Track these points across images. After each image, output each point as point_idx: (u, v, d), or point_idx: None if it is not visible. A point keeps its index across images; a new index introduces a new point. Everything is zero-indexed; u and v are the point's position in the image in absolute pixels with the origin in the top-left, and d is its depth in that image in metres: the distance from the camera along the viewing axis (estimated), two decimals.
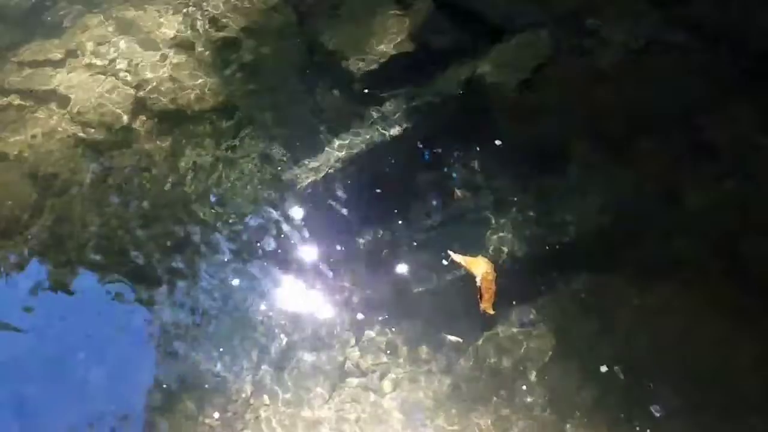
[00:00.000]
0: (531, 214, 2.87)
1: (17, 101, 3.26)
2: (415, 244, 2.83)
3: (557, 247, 2.78)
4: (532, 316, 2.63)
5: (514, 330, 2.62)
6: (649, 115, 3.08)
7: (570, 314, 2.62)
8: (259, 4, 3.61)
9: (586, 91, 3.17)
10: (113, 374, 2.57)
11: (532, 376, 2.52)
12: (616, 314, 2.60)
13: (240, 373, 2.56)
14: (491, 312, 2.65)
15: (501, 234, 2.83)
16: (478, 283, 2.68)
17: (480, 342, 2.60)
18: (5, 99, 3.26)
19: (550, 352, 2.56)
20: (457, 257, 2.76)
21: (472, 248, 2.79)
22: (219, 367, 2.57)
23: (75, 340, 2.64)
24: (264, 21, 3.54)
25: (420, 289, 2.74)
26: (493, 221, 2.87)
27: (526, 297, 2.67)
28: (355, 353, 2.62)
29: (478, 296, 2.66)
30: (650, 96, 3.13)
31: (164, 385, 2.55)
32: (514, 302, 2.66)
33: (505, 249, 2.80)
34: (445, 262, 2.77)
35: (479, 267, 2.72)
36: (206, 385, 2.54)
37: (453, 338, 2.63)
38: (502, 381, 2.52)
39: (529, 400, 2.47)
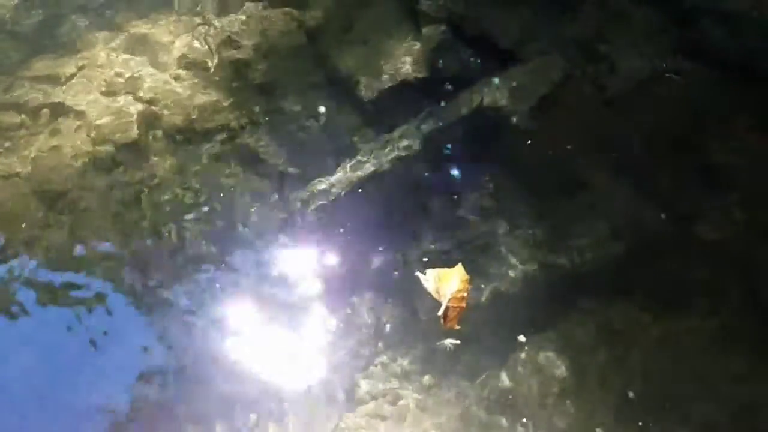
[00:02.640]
0: (543, 239, 2.85)
1: (27, 117, 3.26)
2: (425, 268, 2.80)
3: (570, 273, 2.76)
4: (545, 344, 2.60)
5: (527, 357, 2.58)
6: (661, 141, 3.07)
7: (584, 342, 2.60)
8: (272, 24, 3.62)
9: (597, 116, 3.18)
10: (114, 395, 2.53)
11: (545, 405, 2.48)
12: (631, 343, 2.58)
13: (245, 400, 2.52)
14: (456, 328, 2.62)
15: (513, 259, 2.81)
16: (445, 304, 2.64)
17: (492, 369, 2.57)
18: (15, 114, 3.26)
19: (564, 381, 2.53)
20: (428, 276, 2.71)
21: (483, 273, 2.78)
22: (224, 393, 2.53)
23: (76, 358, 2.61)
24: (276, 41, 3.55)
25: (431, 314, 2.71)
26: (505, 245, 2.85)
27: (539, 324, 2.65)
28: (364, 379, 2.59)
29: (442, 318, 2.63)
30: (661, 122, 3.14)
31: (168, 412, 2.51)
32: (526, 329, 2.63)
33: (518, 274, 2.78)
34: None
35: (450, 285, 2.68)
36: (211, 412, 2.50)
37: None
38: (514, 409, 2.49)
39: (541, 429, 2.43)
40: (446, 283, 2.66)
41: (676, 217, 2.87)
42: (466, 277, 2.69)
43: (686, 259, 2.76)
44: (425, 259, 2.82)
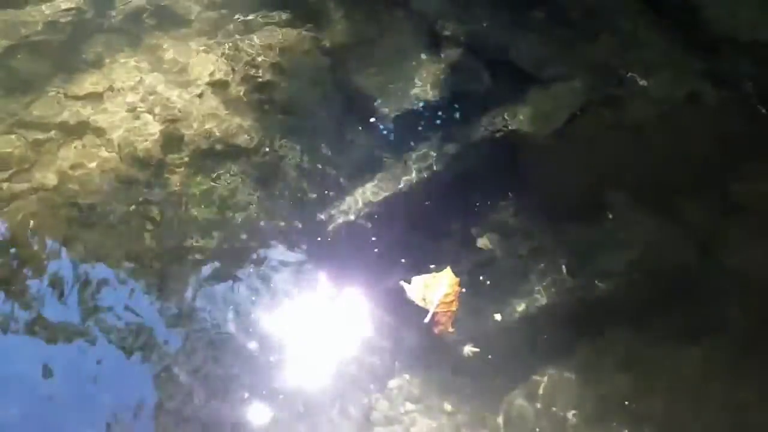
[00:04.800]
0: (563, 265, 2.84)
1: (53, 134, 3.29)
2: None
3: (591, 300, 2.75)
4: (565, 373, 2.58)
5: (547, 385, 2.56)
6: (683, 169, 3.08)
7: (605, 372, 2.58)
8: (293, 45, 3.67)
9: (619, 141, 3.18)
10: (129, 416, 2.53)
11: None
12: (653, 373, 2.56)
13: (256, 421, 2.50)
14: (450, 331, 2.60)
15: (532, 285, 2.80)
16: (433, 310, 2.62)
17: (513, 395, 2.55)
18: (41, 132, 3.29)
19: (586, 411, 2.50)
20: (414, 284, 2.70)
21: (504, 297, 2.77)
22: (236, 414, 2.52)
23: (92, 378, 2.60)
24: (297, 62, 3.59)
25: (450, 337, 2.70)
26: (525, 271, 2.84)
27: (559, 352, 2.63)
28: (380, 402, 2.57)
29: (432, 324, 2.61)
30: (684, 149, 3.14)
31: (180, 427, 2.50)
32: (547, 357, 2.61)
33: (537, 300, 2.77)
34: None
35: (437, 290, 2.68)
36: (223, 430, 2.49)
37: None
38: None
39: None
40: (433, 289, 2.68)
41: (698, 245, 2.85)
42: (456, 279, 2.70)
43: (710, 287, 2.75)
44: None
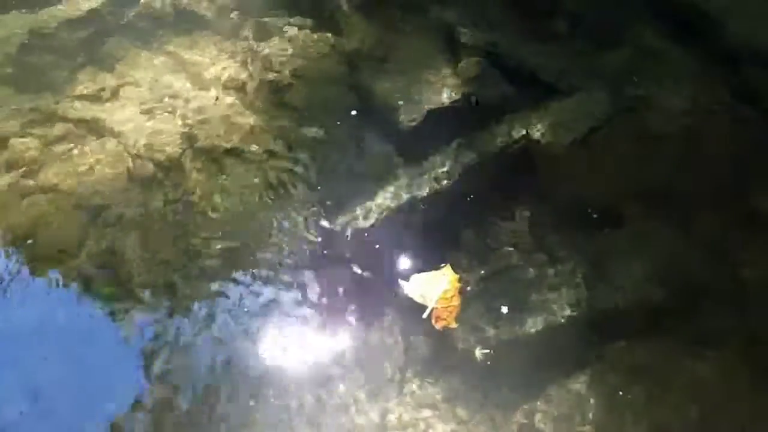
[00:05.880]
0: (580, 275, 2.83)
1: (69, 133, 3.30)
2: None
3: (606, 310, 2.74)
4: (580, 382, 2.57)
5: (561, 394, 2.55)
6: (702, 182, 3.07)
7: (619, 382, 2.56)
8: (311, 51, 3.68)
9: (638, 154, 3.18)
10: (143, 412, 2.52)
11: None
12: (667, 384, 2.54)
13: (271, 425, 2.49)
14: (453, 326, 2.58)
15: (548, 294, 2.79)
16: (432, 306, 2.62)
17: (527, 403, 2.53)
18: (58, 130, 3.30)
19: (599, 421, 2.48)
20: (412, 282, 2.70)
21: (518, 305, 2.76)
22: (250, 420, 2.51)
23: (108, 371, 2.60)
24: (315, 67, 3.60)
25: (463, 344, 2.69)
26: (540, 281, 2.83)
27: (573, 361, 2.62)
28: (395, 408, 2.56)
29: (432, 319, 2.61)
30: (702, 161, 3.13)
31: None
32: (561, 365, 2.60)
33: (552, 310, 2.75)
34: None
35: (437, 287, 2.68)
36: None
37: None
38: None
39: None
40: (433, 286, 2.68)
41: (715, 256, 2.84)
42: (455, 276, 2.71)
43: (726, 299, 2.73)
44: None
